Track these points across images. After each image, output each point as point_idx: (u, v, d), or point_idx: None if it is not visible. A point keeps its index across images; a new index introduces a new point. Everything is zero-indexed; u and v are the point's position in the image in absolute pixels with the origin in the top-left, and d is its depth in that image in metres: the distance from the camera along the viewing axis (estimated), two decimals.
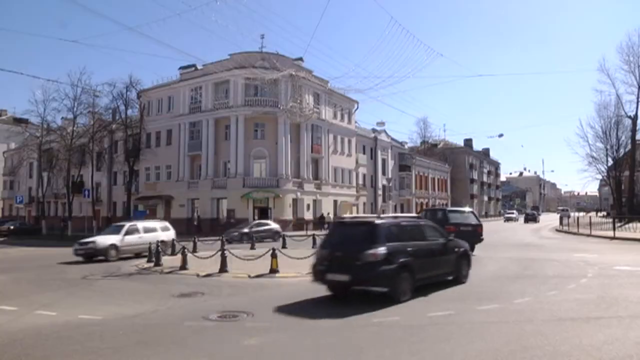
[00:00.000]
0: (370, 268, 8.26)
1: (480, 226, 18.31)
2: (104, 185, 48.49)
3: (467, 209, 22.10)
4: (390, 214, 26.31)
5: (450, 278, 10.22)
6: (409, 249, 9.00)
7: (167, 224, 20.96)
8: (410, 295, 8.53)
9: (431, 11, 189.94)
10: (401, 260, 8.61)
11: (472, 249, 14.53)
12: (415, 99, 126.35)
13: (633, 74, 43.20)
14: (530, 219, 54.40)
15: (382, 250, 8.41)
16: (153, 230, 19.09)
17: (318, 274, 9.05)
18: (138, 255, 17.52)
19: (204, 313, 7.81)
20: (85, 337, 6.47)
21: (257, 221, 30.19)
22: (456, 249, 10.56)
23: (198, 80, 40.43)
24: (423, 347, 5.76)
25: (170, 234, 19.65)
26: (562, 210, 58.01)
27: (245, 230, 26.45)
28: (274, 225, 29.01)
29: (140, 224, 19.54)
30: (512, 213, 64.52)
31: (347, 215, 44.37)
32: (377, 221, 9.27)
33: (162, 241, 16.95)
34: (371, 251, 8.34)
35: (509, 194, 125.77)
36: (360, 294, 8.71)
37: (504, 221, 57.24)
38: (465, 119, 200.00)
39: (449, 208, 24.78)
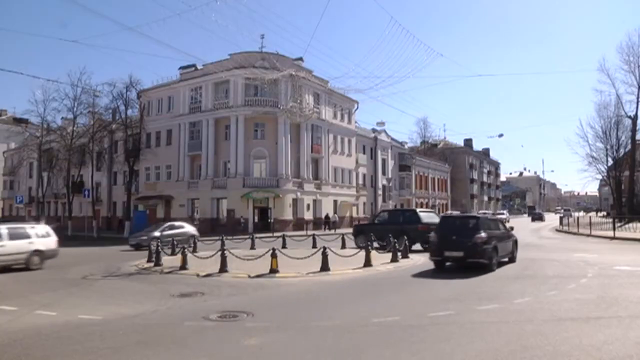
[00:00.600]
0: (478, 247, 12.21)
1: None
2: (104, 185, 48.50)
3: (423, 210, 25.07)
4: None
5: (507, 259, 14.07)
6: (495, 235, 13.18)
7: (48, 229, 16.32)
8: (497, 267, 12.57)
9: (431, 11, 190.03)
10: (493, 242, 12.65)
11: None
12: (415, 99, 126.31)
13: (633, 74, 43.27)
14: (537, 218, 60.82)
15: (484, 235, 12.43)
16: (23, 236, 14.57)
17: (436, 251, 12.98)
18: (3, 270, 13.53)
19: (204, 313, 7.81)
20: (85, 337, 6.47)
21: (170, 223, 25.65)
22: (512, 238, 14.84)
23: (198, 80, 40.45)
24: (423, 347, 5.76)
25: (49, 242, 15.35)
26: (565, 210, 61.65)
27: (156, 233, 22.62)
28: (189, 229, 24.54)
29: (4, 228, 14.47)
30: (502, 214, 53.31)
31: (348, 214, 44.52)
32: (479, 215, 16.18)
33: (38, 250, 14.41)
34: (478, 235, 12.32)
35: (509, 194, 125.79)
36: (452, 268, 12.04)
37: None
38: (465, 119, 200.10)
39: (420, 209, 26.37)
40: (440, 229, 13.78)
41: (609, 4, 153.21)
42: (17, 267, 14.15)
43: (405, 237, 16.14)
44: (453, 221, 15.18)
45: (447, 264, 13.20)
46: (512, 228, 16.75)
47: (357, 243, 19.99)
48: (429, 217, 20.19)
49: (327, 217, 40.86)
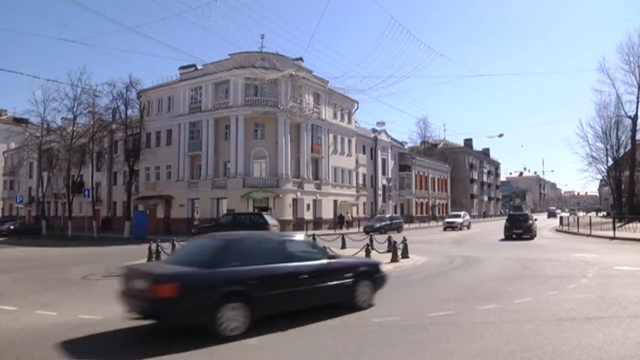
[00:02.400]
0: (529, 227, 26.35)
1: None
2: (104, 185, 48.48)
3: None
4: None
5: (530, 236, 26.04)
6: (532, 223, 27.43)
7: None
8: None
9: (431, 11, 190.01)
10: (532, 226, 27.07)
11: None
12: (415, 99, 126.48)
13: (633, 74, 43.23)
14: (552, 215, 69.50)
15: (531, 222, 27.32)
16: None
17: (508, 230, 26.67)
18: None
19: None
20: (86, 337, 6.47)
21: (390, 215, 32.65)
22: (535, 224, 28.49)
23: (198, 80, 40.41)
24: (423, 347, 5.76)
25: None
26: (570, 210, 64.01)
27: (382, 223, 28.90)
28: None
29: None
30: (458, 217, 42.24)
31: (348, 214, 44.50)
32: (528, 212, 39.01)
33: None
34: (528, 222, 26.99)
35: (509, 194, 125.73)
36: None
37: (443, 229, 39.39)
38: (465, 119, 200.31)
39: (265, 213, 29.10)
40: (509, 220, 27.88)
41: (609, 4, 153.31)
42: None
43: None
44: (517, 216, 28.59)
45: (513, 236, 25.89)
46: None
47: None
48: (271, 219, 23.69)
49: (341, 216, 41.10)
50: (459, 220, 40.90)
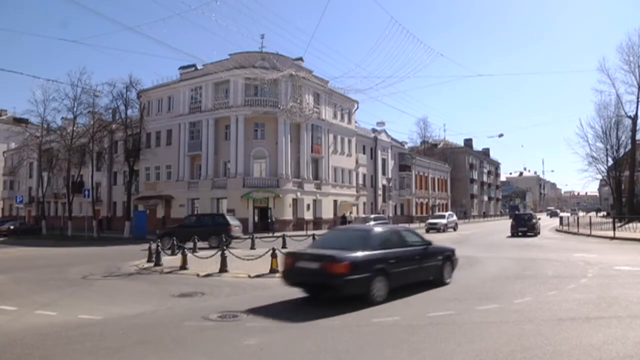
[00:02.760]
0: (532, 226, 29.17)
1: None
2: (104, 185, 48.48)
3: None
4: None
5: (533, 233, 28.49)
6: (536, 221, 30.33)
7: None
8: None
9: (431, 11, 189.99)
10: (537, 224, 30.36)
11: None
12: (415, 99, 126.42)
13: (633, 74, 43.24)
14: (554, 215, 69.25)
15: (535, 220, 30.06)
16: None
17: (514, 228, 29.17)
18: None
19: (204, 313, 7.81)
20: (85, 337, 6.47)
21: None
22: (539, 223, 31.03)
23: (198, 80, 40.42)
24: (423, 347, 5.76)
25: None
26: (572, 210, 64.25)
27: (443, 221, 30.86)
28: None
29: None
30: (441, 217, 39.91)
31: (350, 214, 44.47)
32: (532, 212, 38.54)
33: None
34: (532, 221, 29.56)
35: (509, 194, 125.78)
36: None
37: (425, 231, 33.69)
38: (465, 119, 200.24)
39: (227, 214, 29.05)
40: (515, 219, 30.50)
41: (609, 4, 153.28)
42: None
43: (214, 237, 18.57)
44: (522, 216, 31.40)
45: (519, 233, 28.53)
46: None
47: (163, 245, 21.92)
48: (233, 220, 24.09)
49: (344, 216, 40.97)
50: (443, 221, 37.99)
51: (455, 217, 42.44)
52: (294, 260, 8.81)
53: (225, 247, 14.06)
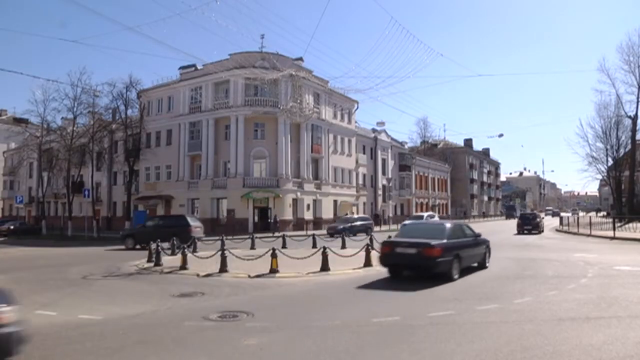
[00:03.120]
0: (536, 224, 32.24)
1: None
2: (104, 185, 48.48)
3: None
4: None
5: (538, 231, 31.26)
6: (540, 220, 33.84)
7: None
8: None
9: (431, 11, 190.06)
10: (541, 223, 33.31)
11: None
12: (415, 99, 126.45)
13: (633, 74, 43.24)
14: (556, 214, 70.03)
15: (538, 220, 33.27)
16: None
17: (520, 227, 31.94)
18: None
19: (204, 313, 7.81)
20: (85, 337, 6.47)
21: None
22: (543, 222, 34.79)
23: (198, 80, 40.43)
24: (423, 347, 5.75)
25: None
26: (573, 210, 65.14)
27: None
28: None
29: None
30: (420, 218, 37.47)
31: (348, 214, 44.41)
32: (536, 212, 43.44)
33: None
34: (536, 220, 32.88)
35: (509, 194, 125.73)
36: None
37: None
38: (465, 119, 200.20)
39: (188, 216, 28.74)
40: (520, 218, 33.57)
41: (609, 4, 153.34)
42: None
43: (175, 238, 18.56)
44: (527, 215, 34.55)
45: (524, 231, 31.08)
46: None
47: (126, 245, 23.47)
48: (193, 220, 24.68)
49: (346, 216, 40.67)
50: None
51: (436, 217, 39.95)
52: (392, 246, 11.08)
53: (185, 247, 14.69)
